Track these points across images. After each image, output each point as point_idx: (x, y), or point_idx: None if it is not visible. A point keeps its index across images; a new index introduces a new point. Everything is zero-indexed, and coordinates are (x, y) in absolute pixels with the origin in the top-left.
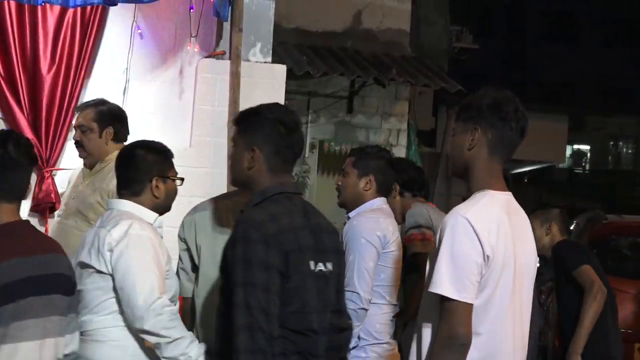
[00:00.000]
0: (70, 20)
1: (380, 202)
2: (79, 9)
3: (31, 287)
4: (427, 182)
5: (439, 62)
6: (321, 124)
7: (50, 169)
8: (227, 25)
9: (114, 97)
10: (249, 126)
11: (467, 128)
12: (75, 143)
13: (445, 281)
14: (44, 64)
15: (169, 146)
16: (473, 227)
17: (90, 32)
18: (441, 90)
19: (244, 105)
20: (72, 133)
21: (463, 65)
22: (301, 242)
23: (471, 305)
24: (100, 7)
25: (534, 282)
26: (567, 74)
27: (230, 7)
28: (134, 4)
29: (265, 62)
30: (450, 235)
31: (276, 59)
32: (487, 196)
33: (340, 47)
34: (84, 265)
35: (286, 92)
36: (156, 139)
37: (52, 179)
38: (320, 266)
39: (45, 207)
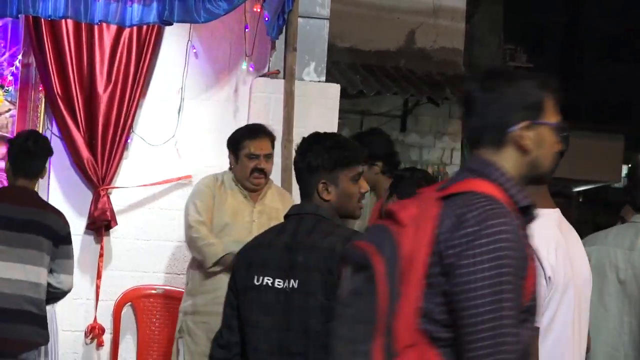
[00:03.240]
0: (127, 40)
1: None
2: (135, 28)
3: (4, 223)
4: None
5: None
6: None
7: (106, 187)
8: (281, 45)
9: (168, 117)
10: None
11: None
12: (258, 171)
13: None
14: (101, 83)
15: (221, 166)
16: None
17: (146, 51)
18: None
19: (298, 124)
20: (128, 152)
21: None
22: (252, 258)
23: (537, 328)
24: (156, 26)
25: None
26: (622, 93)
27: (284, 27)
28: (189, 24)
29: (319, 82)
30: None
31: (330, 78)
32: (540, 216)
33: (394, 66)
34: None
35: (340, 111)
36: (210, 158)
37: (108, 197)
38: (267, 280)
39: (100, 225)
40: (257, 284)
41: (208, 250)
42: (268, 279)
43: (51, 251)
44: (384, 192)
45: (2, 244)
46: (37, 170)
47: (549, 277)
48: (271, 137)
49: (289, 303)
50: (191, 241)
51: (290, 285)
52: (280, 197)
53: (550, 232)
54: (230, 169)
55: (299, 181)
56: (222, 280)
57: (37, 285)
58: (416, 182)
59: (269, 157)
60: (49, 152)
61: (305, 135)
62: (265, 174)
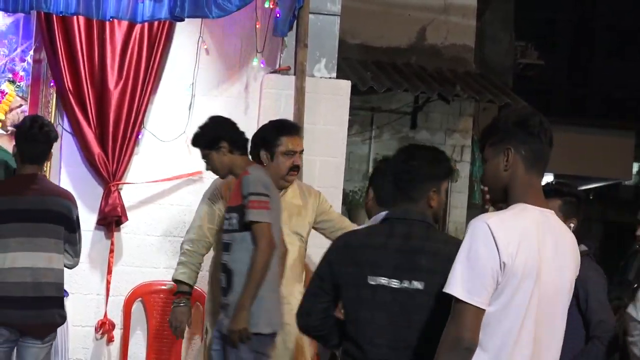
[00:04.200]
0: (138, 36)
1: (381, 216)
2: (146, 24)
3: (13, 216)
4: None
5: (503, 78)
6: (385, 140)
7: (117, 182)
8: (292, 41)
9: (179, 113)
10: None
11: (499, 151)
12: (296, 168)
13: (458, 282)
14: (112, 79)
15: None
16: (492, 233)
17: (157, 47)
18: (506, 107)
19: (309, 120)
20: (138, 148)
21: (528, 81)
22: (361, 258)
23: (482, 310)
24: (167, 22)
25: (568, 306)
26: (633, 90)
27: (295, 23)
28: (200, 20)
29: (330, 78)
30: (469, 239)
31: (340, 75)
32: (518, 208)
33: (405, 63)
34: None
35: (350, 107)
36: None
37: (119, 192)
38: (382, 280)
39: (111, 220)
40: (371, 283)
41: (177, 266)
42: (383, 279)
43: (64, 236)
44: (240, 170)
45: (22, 235)
46: (44, 155)
47: (504, 262)
48: (301, 134)
49: (411, 302)
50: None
51: (414, 287)
52: (302, 193)
53: (519, 224)
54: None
55: (404, 186)
56: None
57: (56, 270)
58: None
59: (302, 153)
60: (55, 137)
61: (316, 131)
62: (298, 170)
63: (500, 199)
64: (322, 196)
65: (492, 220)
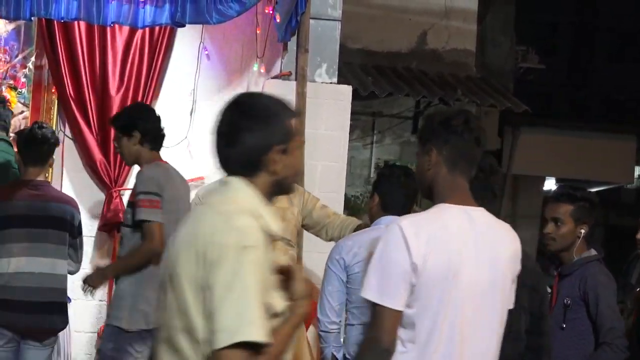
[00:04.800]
0: (139, 41)
1: (383, 220)
2: (147, 30)
3: (16, 222)
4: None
5: (504, 82)
6: (386, 145)
7: (119, 189)
8: (293, 46)
9: (180, 118)
10: None
11: (425, 150)
12: None
13: (372, 286)
14: (113, 85)
15: None
16: (404, 235)
17: (158, 53)
18: (507, 111)
19: (310, 126)
20: None
21: (529, 85)
22: None
23: (398, 312)
24: (168, 28)
25: (504, 302)
26: (634, 93)
27: (297, 28)
28: (201, 26)
29: (330, 83)
30: (383, 242)
31: (341, 80)
32: (437, 208)
33: (406, 67)
34: None
35: (351, 112)
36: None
37: (121, 198)
38: None
39: (113, 226)
40: None
41: None
42: None
43: (68, 242)
44: (144, 164)
45: (26, 240)
46: (47, 156)
47: (415, 263)
48: None
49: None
50: None
51: None
52: (287, 195)
53: (436, 224)
54: None
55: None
56: None
57: (59, 276)
58: (395, 178)
59: None
60: (56, 138)
61: (317, 136)
62: None
63: (426, 196)
64: (307, 194)
65: (405, 222)
